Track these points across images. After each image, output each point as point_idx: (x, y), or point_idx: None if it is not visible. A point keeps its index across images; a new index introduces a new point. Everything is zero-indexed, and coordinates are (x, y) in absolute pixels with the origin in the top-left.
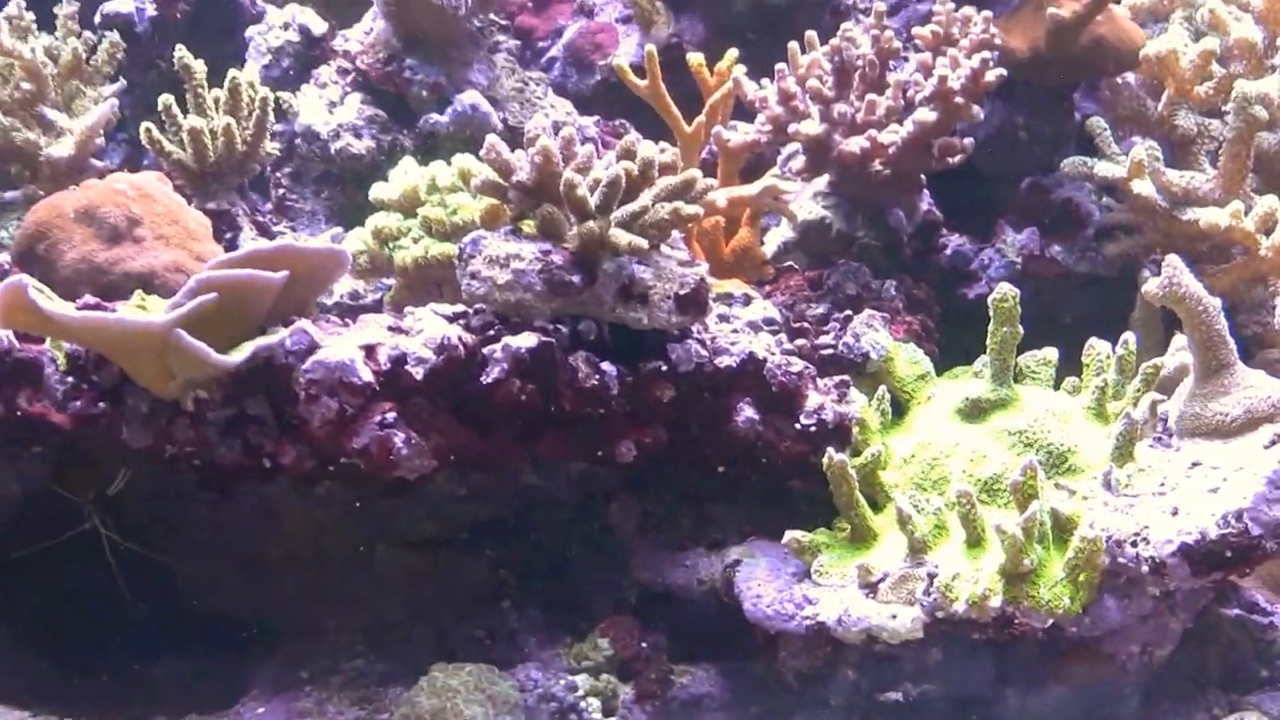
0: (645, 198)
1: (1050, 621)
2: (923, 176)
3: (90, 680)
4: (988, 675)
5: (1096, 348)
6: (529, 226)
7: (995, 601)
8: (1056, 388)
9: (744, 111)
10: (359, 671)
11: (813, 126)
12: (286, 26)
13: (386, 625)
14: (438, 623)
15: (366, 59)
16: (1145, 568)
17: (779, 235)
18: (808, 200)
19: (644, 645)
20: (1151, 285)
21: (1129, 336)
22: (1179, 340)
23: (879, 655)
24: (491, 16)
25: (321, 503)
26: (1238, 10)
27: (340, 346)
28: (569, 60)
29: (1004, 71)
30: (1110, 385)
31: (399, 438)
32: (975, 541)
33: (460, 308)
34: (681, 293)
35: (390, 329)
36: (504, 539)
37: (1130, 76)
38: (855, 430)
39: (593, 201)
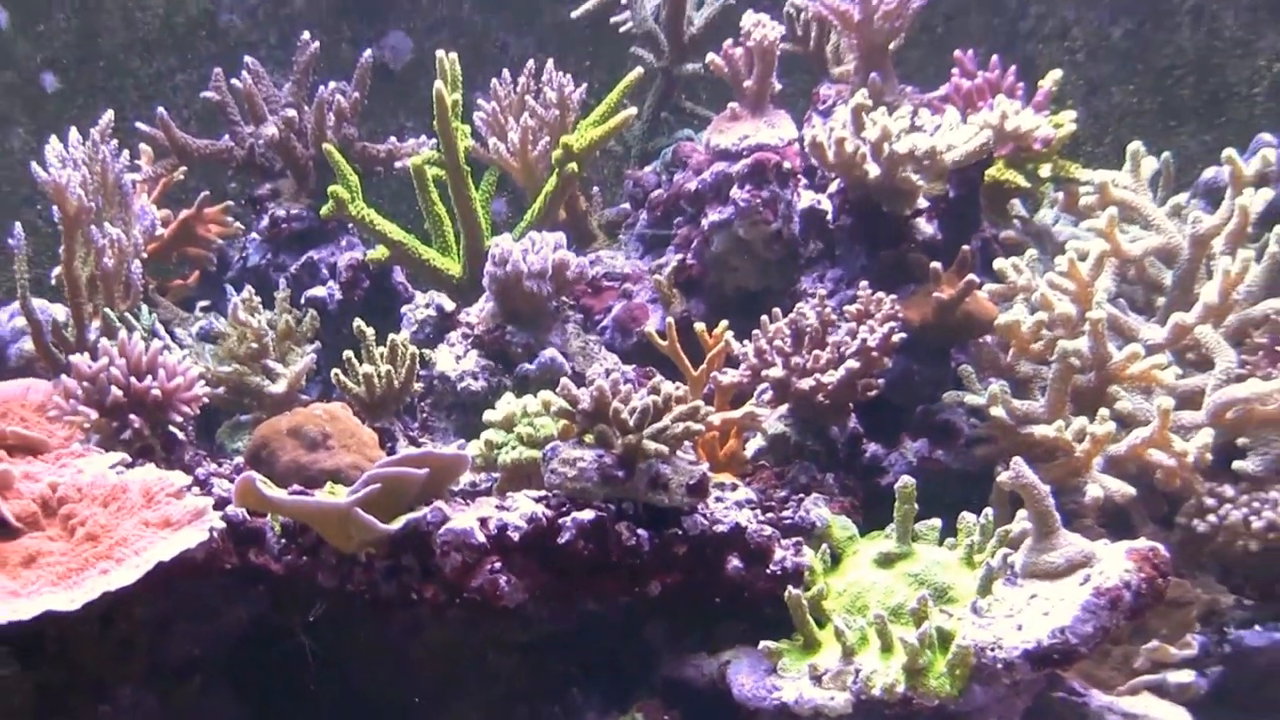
0: (666, 420)
1: (937, 702)
2: (851, 405)
3: None
4: None
5: (967, 519)
6: (589, 439)
7: (900, 689)
8: (940, 545)
9: (732, 360)
10: None
11: (777, 372)
12: (428, 305)
13: (494, 705)
14: (529, 702)
15: (481, 327)
16: (1000, 665)
17: (755, 444)
18: (775, 421)
19: (666, 717)
20: (1004, 477)
21: (988, 511)
22: (1022, 513)
23: None
24: (564, 299)
25: (450, 623)
26: (1060, 293)
27: (463, 519)
28: (616, 328)
29: (905, 334)
30: (976, 544)
31: (503, 579)
32: (887, 648)
33: (543, 493)
34: (691, 483)
35: (497, 507)
36: (573, 646)
37: (989, 338)
38: (807, 574)
39: (631, 423)
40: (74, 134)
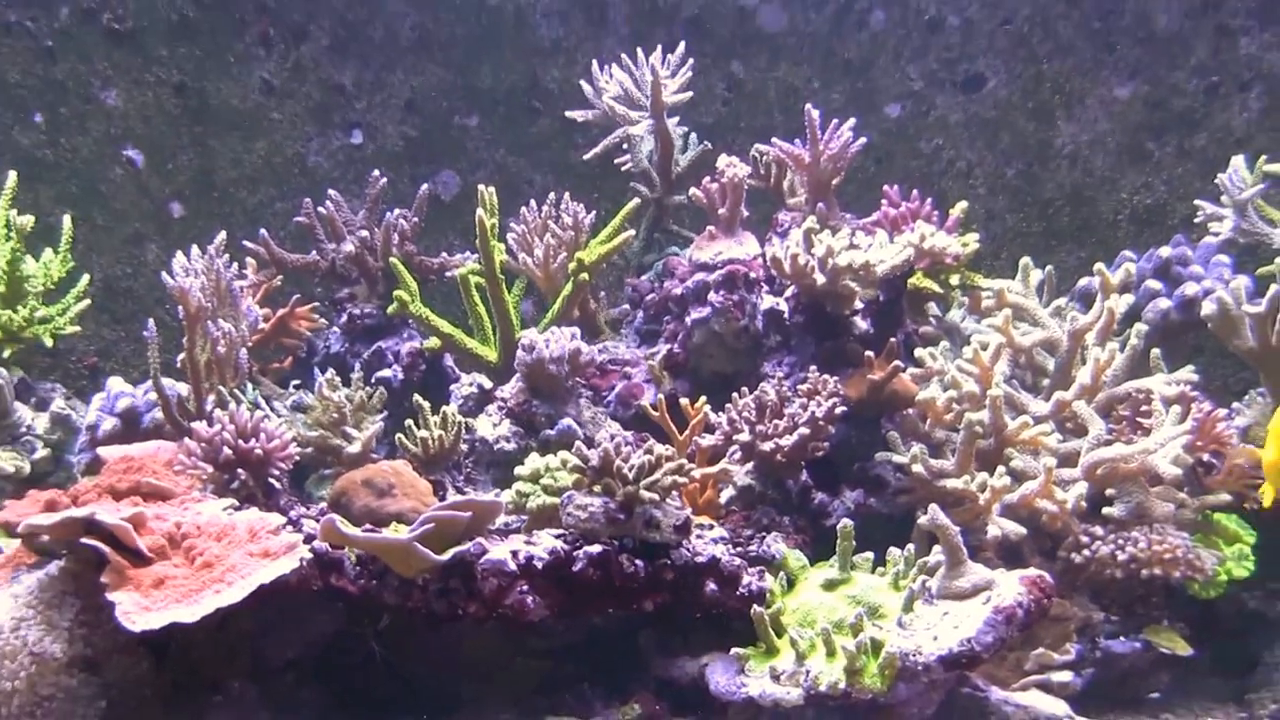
0: (658, 474)
1: (870, 696)
2: (802, 463)
3: None
4: None
5: (894, 552)
6: (597, 489)
7: (842, 686)
8: (873, 573)
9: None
10: None
11: (745, 437)
12: (471, 384)
13: (522, 698)
14: (549, 696)
15: (512, 401)
16: (920, 667)
17: (728, 493)
18: (743, 475)
19: (657, 707)
20: (923, 519)
21: (911, 547)
22: (937, 548)
23: (780, 714)
24: (577, 379)
25: (488, 634)
26: (967, 376)
27: (499, 551)
28: (618, 402)
29: (845, 408)
30: (901, 572)
31: (529, 599)
32: (831, 654)
33: (561, 531)
34: (677, 524)
35: (526, 542)
36: (582, 652)
37: (911, 410)
38: (768, 595)
39: (630, 476)
40: (195, 250)
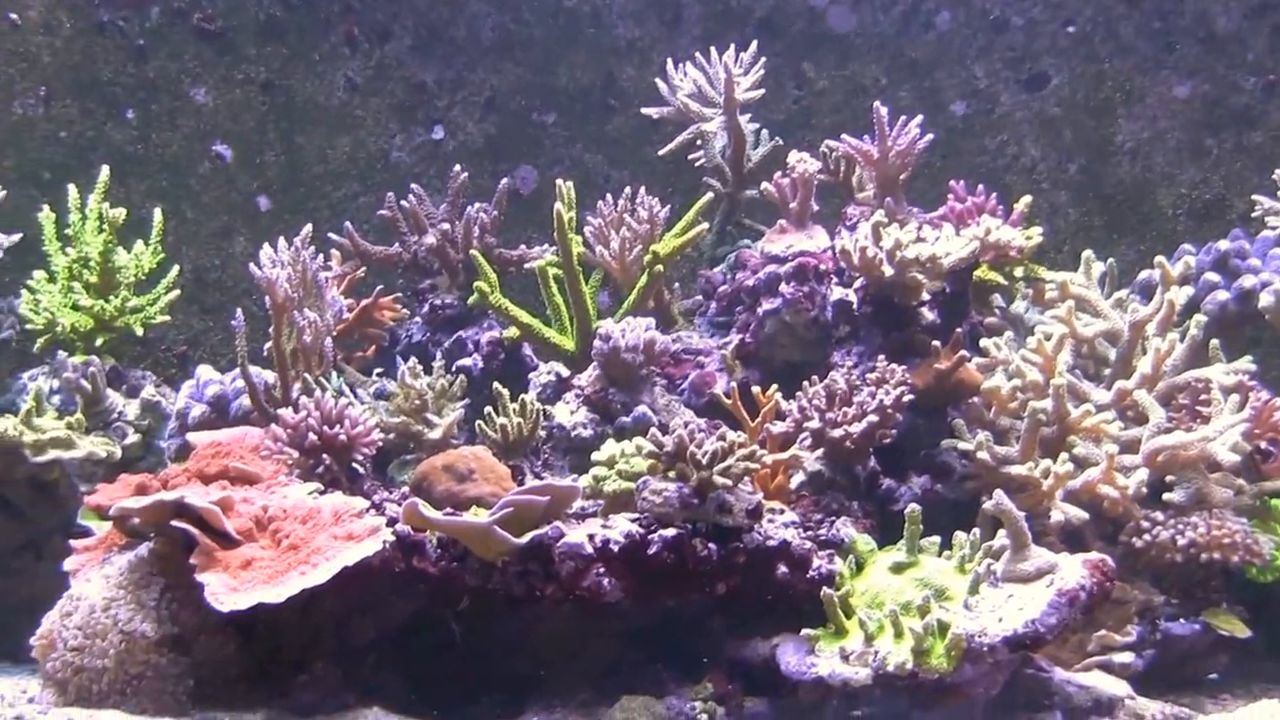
0: (730, 460)
1: (936, 676)
2: (870, 450)
3: (446, 708)
4: (906, 704)
5: (960, 537)
6: (672, 474)
7: (909, 666)
8: (939, 556)
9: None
10: (582, 701)
11: (815, 424)
12: (549, 373)
13: (597, 677)
14: (623, 676)
15: (589, 389)
16: (985, 648)
17: (798, 479)
18: (813, 461)
19: (730, 687)
20: (988, 505)
21: (976, 531)
22: (1002, 533)
23: (849, 693)
24: (652, 368)
25: (565, 616)
26: (1030, 365)
27: (576, 535)
28: (691, 391)
29: (912, 396)
30: (967, 556)
31: (605, 582)
32: (899, 635)
33: (637, 515)
34: (749, 508)
35: (602, 526)
36: (658, 633)
37: (976, 399)
38: (837, 578)
39: (704, 462)
40: (281, 242)
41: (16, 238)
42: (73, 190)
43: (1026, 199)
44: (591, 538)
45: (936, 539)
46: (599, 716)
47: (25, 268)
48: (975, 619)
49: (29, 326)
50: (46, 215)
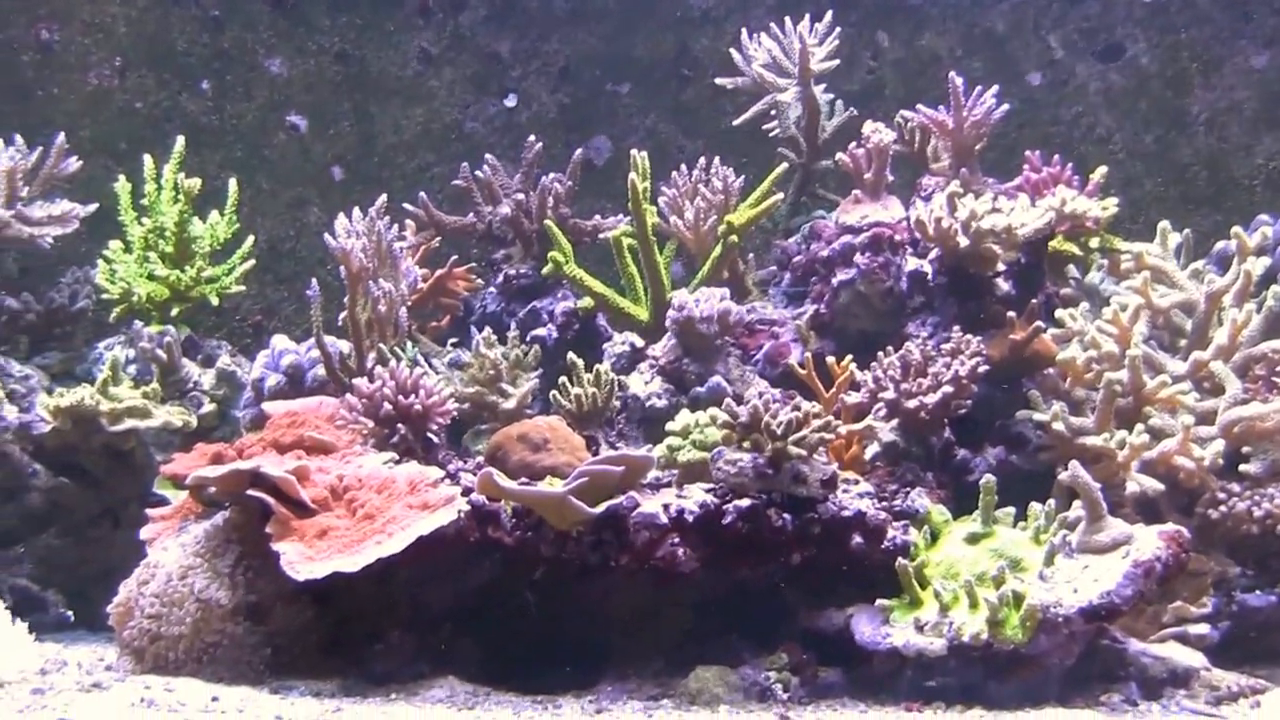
0: (805, 430)
1: (1011, 647)
2: (945, 420)
3: (520, 678)
4: (980, 674)
5: (1035, 507)
6: (746, 445)
7: (984, 636)
8: (1014, 528)
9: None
10: (656, 671)
11: (890, 395)
12: (623, 343)
13: (670, 647)
14: (698, 645)
15: (663, 359)
16: (1060, 619)
17: (872, 449)
18: (887, 432)
19: (804, 657)
20: (1063, 476)
21: (1051, 502)
22: (1077, 503)
23: (923, 663)
24: (726, 339)
25: (639, 585)
26: (1106, 336)
27: (651, 504)
28: (766, 361)
29: (987, 367)
30: (1042, 527)
31: (680, 551)
32: (973, 606)
33: (711, 485)
34: (824, 479)
35: (677, 496)
36: (732, 603)
37: (1051, 370)
38: (912, 549)
39: (779, 432)
40: (356, 213)
41: (93, 208)
42: (148, 160)
43: (1102, 169)
44: (666, 508)
45: (1011, 510)
46: (673, 686)
47: (101, 238)
48: (1050, 590)
49: (105, 296)
50: (122, 185)
